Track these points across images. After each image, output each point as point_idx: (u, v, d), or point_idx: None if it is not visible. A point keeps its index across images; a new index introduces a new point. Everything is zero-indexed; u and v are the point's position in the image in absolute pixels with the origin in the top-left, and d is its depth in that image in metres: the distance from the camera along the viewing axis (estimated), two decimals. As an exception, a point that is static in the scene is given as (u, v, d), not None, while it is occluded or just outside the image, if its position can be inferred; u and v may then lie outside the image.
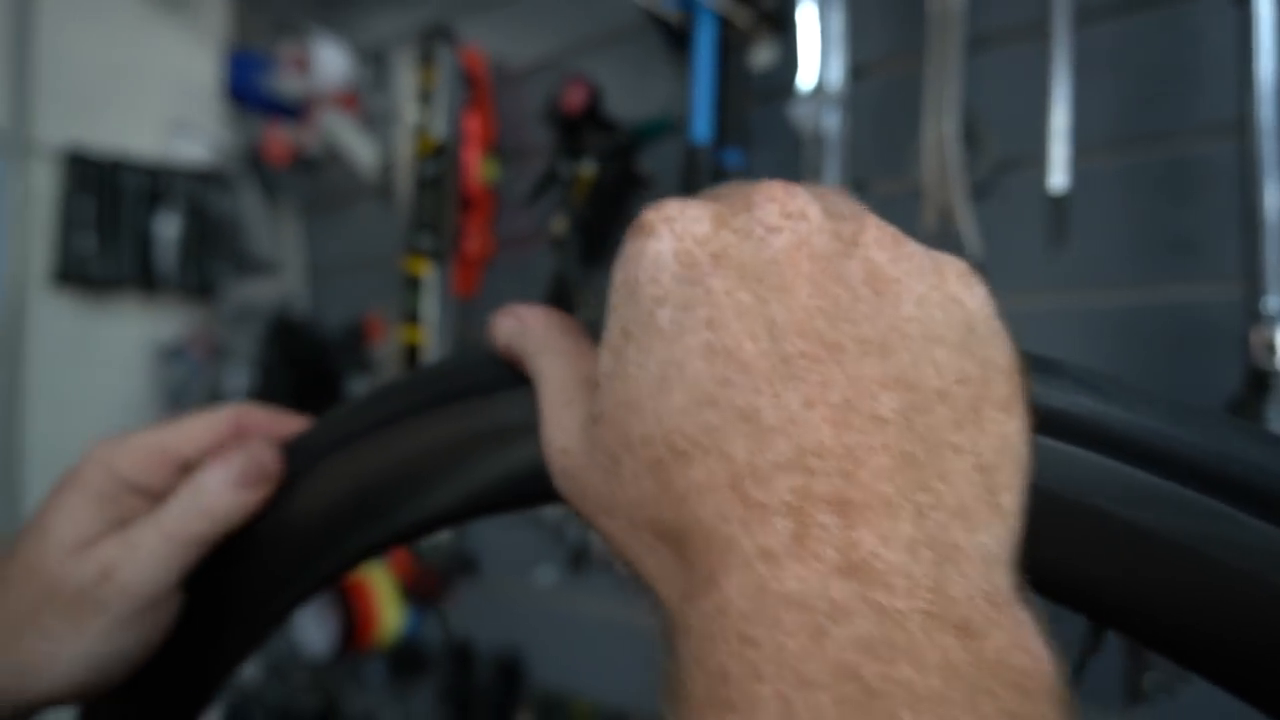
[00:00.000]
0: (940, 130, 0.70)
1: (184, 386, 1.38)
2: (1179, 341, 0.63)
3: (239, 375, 1.24)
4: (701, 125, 0.80)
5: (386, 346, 1.14)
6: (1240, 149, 0.59)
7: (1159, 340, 0.64)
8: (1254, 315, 0.54)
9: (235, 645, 0.32)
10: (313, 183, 1.32)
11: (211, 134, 1.44)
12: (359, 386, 1.22)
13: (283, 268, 1.36)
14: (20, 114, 1.31)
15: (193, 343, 1.41)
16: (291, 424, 0.33)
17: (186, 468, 0.31)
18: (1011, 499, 0.18)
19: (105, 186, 1.37)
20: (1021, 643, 0.16)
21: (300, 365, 1.24)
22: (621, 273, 0.20)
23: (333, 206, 1.34)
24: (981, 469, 0.18)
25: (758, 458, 0.17)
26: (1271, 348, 0.54)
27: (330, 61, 1.14)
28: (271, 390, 1.23)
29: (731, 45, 0.82)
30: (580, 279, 0.88)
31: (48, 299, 1.36)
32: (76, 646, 0.27)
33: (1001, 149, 0.69)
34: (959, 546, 0.16)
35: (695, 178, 0.80)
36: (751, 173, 0.83)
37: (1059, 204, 0.66)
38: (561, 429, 0.21)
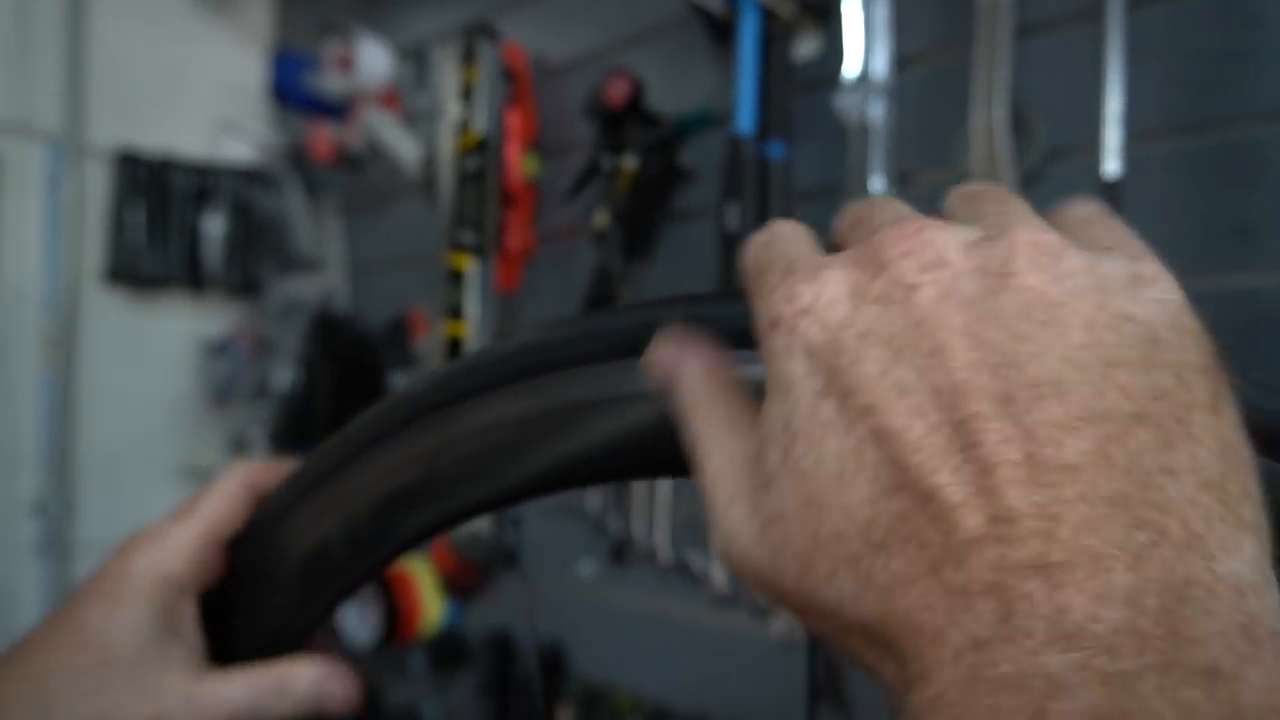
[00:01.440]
0: (989, 118, 0.69)
1: (230, 381, 1.41)
2: (1237, 331, 0.62)
3: (283, 370, 1.26)
4: (745, 117, 0.80)
5: (429, 341, 1.15)
6: (1302, 132, 0.58)
7: (1216, 330, 0.63)
8: (1317, 302, 0.53)
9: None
10: (355, 180, 1.33)
11: (257, 133, 1.47)
12: (401, 381, 1.24)
13: (325, 264, 1.38)
14: (74, 117, 1.35)
15: (238, 338, 1.44)
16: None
17: (224, 545, 0.32)
18: (1252, 509, 0.16)
19: (155, 186, 1.40)
20: None
21: (342, 360, 1.26)
22: (773, 368, 0.20)
23: (374, 203, 1.35)
24: (1207, 485, 0.16)
25: (951, 538, 0.16)
26: (1336, 335, 0.53)
27: (373, 60, 1.16)
28: (314, 385, 1.25)
29: (775, 36, 0.82)
30: (622, 272, 0.89)
31: (100, 296, 1.39)
32: None
33: (1051, 136, 0.68)
34: (1196, 581, 0.15)
35: (738, 169, 0.80)
36: (794, 164, 0.83)
37: (1111, 191, 0.65)
38: (738, 529, 0.20)
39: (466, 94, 1.02)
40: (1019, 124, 0.69)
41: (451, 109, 1.04)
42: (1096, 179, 0.65)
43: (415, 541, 0.29)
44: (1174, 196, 0.63)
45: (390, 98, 1.21)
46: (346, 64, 1.16)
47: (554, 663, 1.06)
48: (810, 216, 0.84)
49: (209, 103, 1.50)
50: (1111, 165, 0.62)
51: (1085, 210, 0.21)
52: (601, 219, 0.95)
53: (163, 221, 1.41)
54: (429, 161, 1.13)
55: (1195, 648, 0.14)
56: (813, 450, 0.18)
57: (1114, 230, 0.20)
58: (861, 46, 0.77)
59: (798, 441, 0.18)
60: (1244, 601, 0.15)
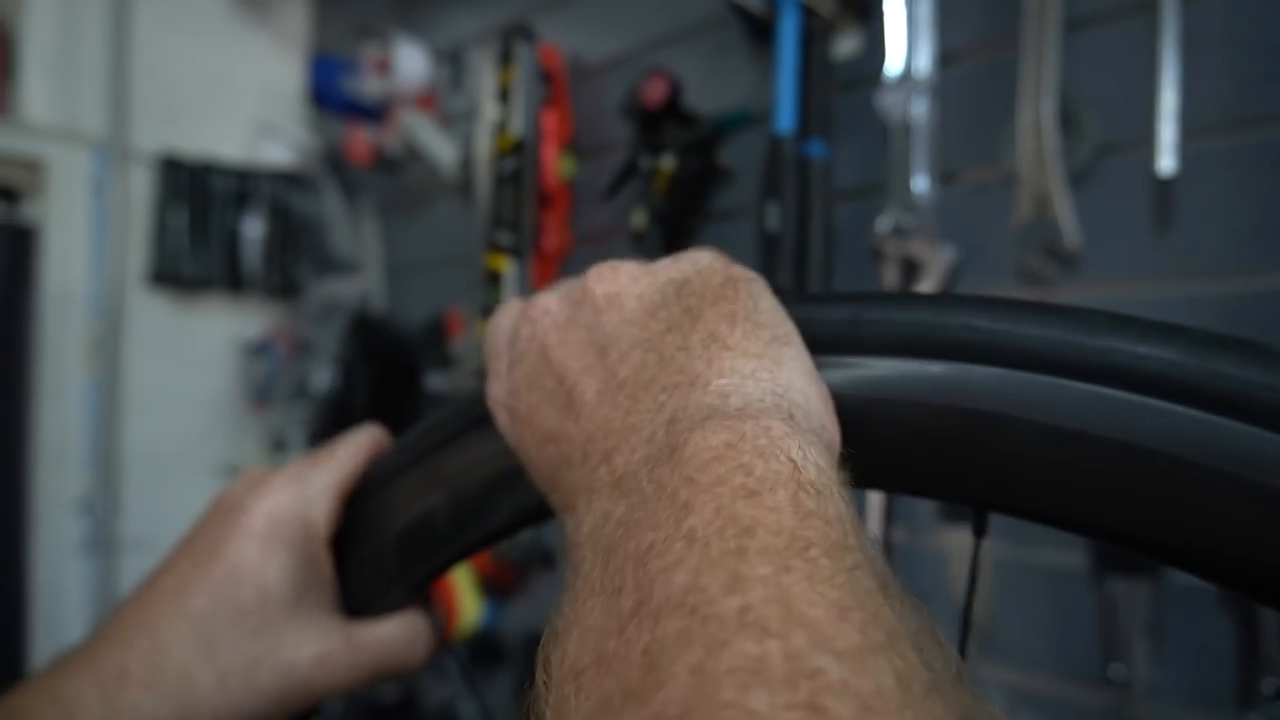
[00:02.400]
0: (1037, 114, 0.68)
1: (269, 381, 1.43)
2: (1297, 331, 0.60)
3: (322, 371, 1.28)
4: (785, 116, 0.79)
5: (465, 341, 1.15)
6: (1368, 126, 0.56)
7: (1273, 329, 0.61)
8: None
9: None
10: (392, 182, 1.34)
11: (295, 137, 1.49)
12: (437, 382, 1.25)
13: (362, 266, 1.39)
14: (119, 123, 1.37)
15: (277, 339, 1.46)
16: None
17: (346, 500, 0.34)
18: (742, 337, 0.23)
19: (196, 190, 1.42)
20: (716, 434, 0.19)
21: (380, 361, 1.27)
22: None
23: (410, 205, 1.36)
24: (706, 341, 0.23)
25: (572, 459, 0.24)
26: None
27: (410, 63, 1.16)
28: (352, 385, 1.26)
29: (815, 34, 0.81)
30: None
31: (143, 298, 1.42)
32: (274, 710, 0.30)
33: (1102, 132, 0.67)
34: (691, 402, 0.21)
35: (778, 169, 0.79)
36: (834, 163, 0.82)
37: (1166, 188, 0.63)
38: None
39: (503, 95, 1.03)
40: (1069, 120, 0.68)
41: (488, 110, 1.04)
42: (1150, 176, 0.64)
43: (513, 526, 0.29)
44: (1231, 193, 0.61)
45: (427, 100, 1.22)
46: (384, 67, 1.17)
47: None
48: (851, 216, 0.82)
49: (248, 107, 1.52)
50: (1166, 162, 0.61)
51: None
52: (639, 219, 0.95)
53: (203, 224, 1.43)
54: (465, 163, 1.14)
55: (672, 438, 0.20)
56: (535, 480, 0.27)
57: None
58: (904, 43, 0.76)
59: (520, 445, 0.27)
60: (723, 401, 0.21)
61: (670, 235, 0.92)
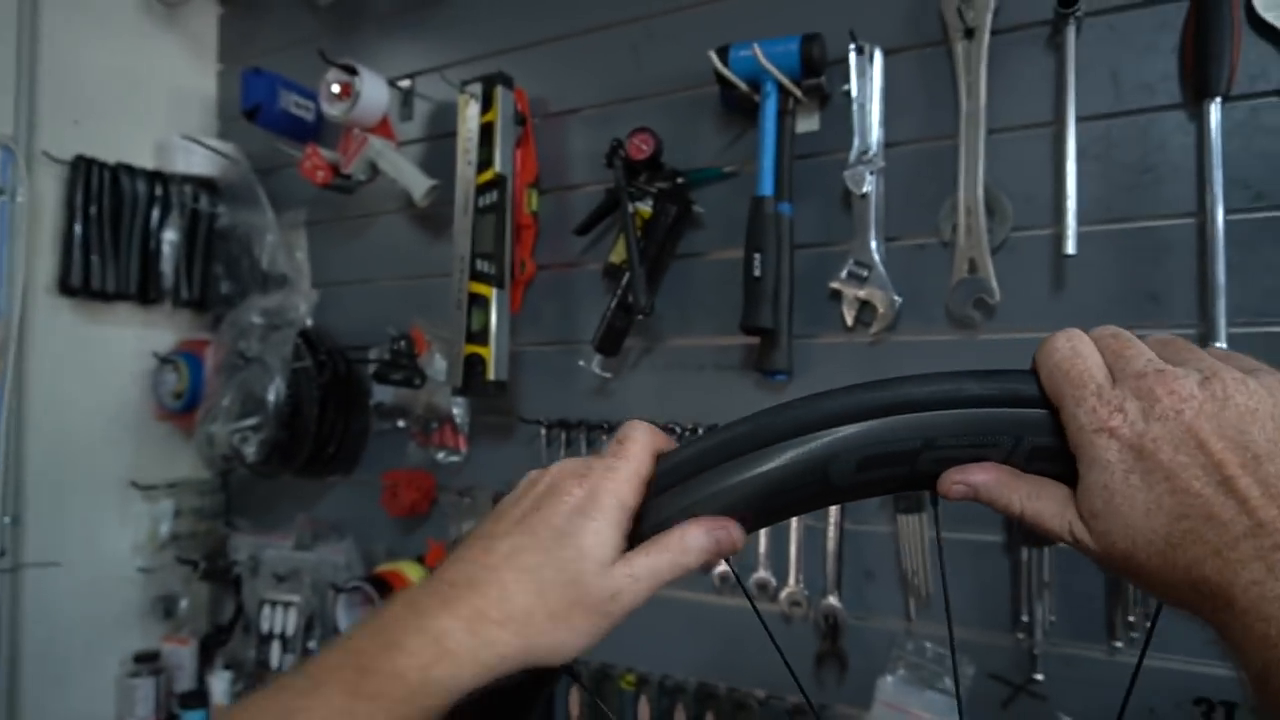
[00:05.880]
0: (970, 196, 0.89)
1: (192, 393, 1.40)
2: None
3: (271, 383, 1.28)
4: (766, 181, 0.96)
5: (429, 357, 1.23)
6: (1198, 227, 0.81)
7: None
8: (1215, 351, 0.75)
9: None
10: (323, 199, 1.37)
11: (213, 146, 1.46)
12: (384, 394, 1.31)
13: (291, 280, 1.41)
14: (27, 124, 1.31)
15: (193, 349, 1.44)
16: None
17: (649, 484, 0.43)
18: None
19: (107, 196, 1.37)
20: None
21: (325, 374, 1.30)
22: (1092, 453, 0.33)
23: (344, 223, 1.40)
24: None
25: (1226, 537, 0.30)
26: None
27: (375, 92, 1.22)
28: (298, 396, 1.29)
29: (785, 111, 0.98)
30: (649, 305, 1.02)
31: (50, 306, 1.35)
32: (583, 638, 0.39)
33: (1015, 215, 0.89)
34: None
35: (761, 225, 0.96)
36: (799, 221, 0.99)
37: (1062, 261, 0.86)
38: (1082, 539, 0.34)
39: (486, 134, 1.12)
40: (991, 203, 0.89)
41: (469, 148, 1.13)
42: (1053, 251, 0.86)
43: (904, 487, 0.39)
44: (1109, 269, 0.85)
45: (383, 127, 1.27)
46: (347, 93, 1.21)
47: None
48: (807, 264, 0.99)
49: (161, 114, 1.48)
50: (1069, 245, 0.83)
51: (1222, 350, 0.37)
52: (618, 255, 1.08)
53: (115, 232, 1.39)
54: (433, 189, 1.22)
55: None
56: (1127, 500, 0.33)
57: (1244, 357, 0.35)
58: (859, 128, 0.95)
59: (1115, 495, 0.33)
60: None
61: (648, 271, 1.06)
